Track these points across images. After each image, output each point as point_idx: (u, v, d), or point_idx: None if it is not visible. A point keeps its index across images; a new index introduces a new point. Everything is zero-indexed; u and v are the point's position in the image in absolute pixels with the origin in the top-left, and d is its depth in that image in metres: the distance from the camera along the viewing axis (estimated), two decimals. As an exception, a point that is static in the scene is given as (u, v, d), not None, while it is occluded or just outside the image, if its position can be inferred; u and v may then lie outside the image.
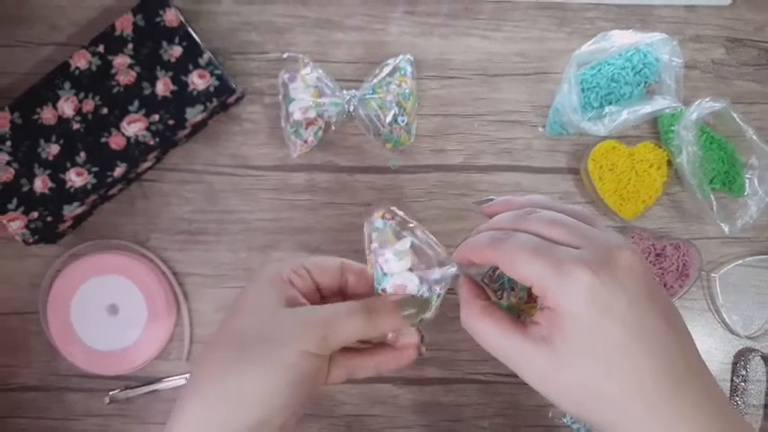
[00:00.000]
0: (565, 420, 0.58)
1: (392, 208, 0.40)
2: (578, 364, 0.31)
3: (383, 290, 0.38)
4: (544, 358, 0.32)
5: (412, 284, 0.38)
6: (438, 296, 0.39)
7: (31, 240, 0.54)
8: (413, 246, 0.39)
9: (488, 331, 0.34)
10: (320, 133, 0.56)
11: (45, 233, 0.55)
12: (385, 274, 0.38)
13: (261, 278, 0.39)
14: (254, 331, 0.36)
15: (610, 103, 0.58)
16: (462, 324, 0.36)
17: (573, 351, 0.31)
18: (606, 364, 0.31)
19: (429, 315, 0.39)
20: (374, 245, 0.39)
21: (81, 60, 0.55)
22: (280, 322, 0.36)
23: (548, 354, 0.32)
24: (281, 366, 0.35)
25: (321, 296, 0.41)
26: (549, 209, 0.35)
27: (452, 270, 0.38)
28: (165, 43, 0.55)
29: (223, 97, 0.55)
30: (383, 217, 0.39)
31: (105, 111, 0.54)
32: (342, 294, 0.42)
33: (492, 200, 0.38)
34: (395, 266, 0.38)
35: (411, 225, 0.39)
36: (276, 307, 0.37)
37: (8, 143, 0.54)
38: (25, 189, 0.54)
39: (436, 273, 0.38)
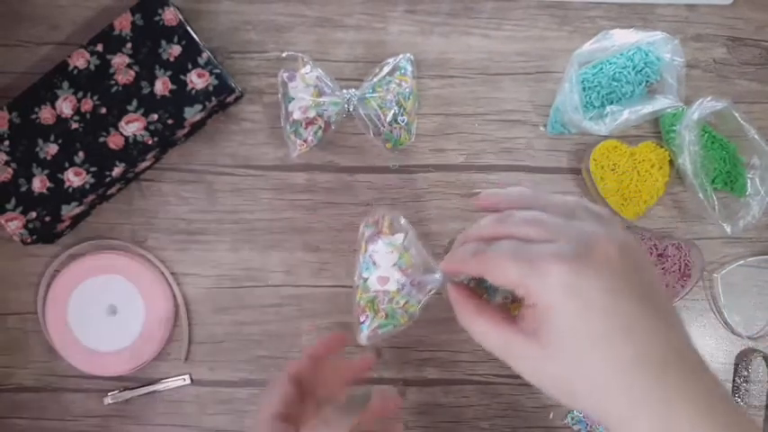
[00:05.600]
0: (566, 422, 0.58)
1: (386, 215, 0.43)
2: (564, 355, 0.32)
3: (366, 278, 0.41)
4: (534, 351, 0.33)
5: (393, 279, 0.41)
6: (419, 301, 0.41)
7: (29, 240, 0.54)
8: (406, 249, 0.41)
9: (484, 329, 0.35)
10: (320, 133, 0.56)
11: (43, 233, 0.54)
12: (372, 264, 0.41)
13: None
14: None
15: (611, 103, 0.58)
16: (460, 324, 0.37)
17: (558, 343, 0.32)
18: (589, 353, 0.32)
19: (411, 319, 0.42)
20: (367, 233, 0.42)
21: (80, 60, 0.54)
22: None
23: (536, 347, 0.33)
24: None
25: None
26: (530, 203, 0.36)
27: (437, 277, 0.40)
28: (163, 42, 0.54)
29: (222, 96, 0.55)
30: (376, 223, 0.42)
31: (104, 110, 0.54)
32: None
33: (479, 193, 0.39)
34: (383, 259, 0.41)
35: (407, 232, 0.42)
36: None
37: (6, 143, 0.54)
38: (23, 189, 0.54)
39: (422, 277, 0.40)
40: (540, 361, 0.33)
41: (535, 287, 0.32)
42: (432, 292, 0.42)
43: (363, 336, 0.42)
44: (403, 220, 0.42)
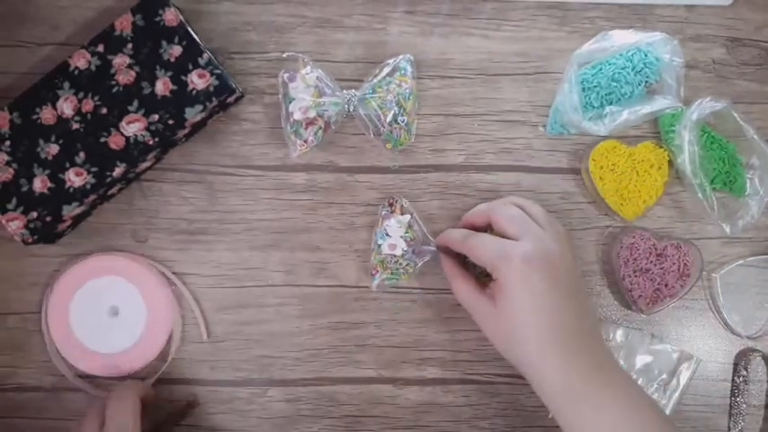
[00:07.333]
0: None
1: (398, 201, 0.57)
2: (509, 317, 0.48)
3: (380, 245, 0.55)
4: (489, 311, 0.49)
5: (400, 247, 0.55)
6: (416, 264, 0.56)
7: (30, 240, 0.54)
8: (410, 226, 0.55)
9: (462, 288, 0.52)
10: (320, 133, 0.56)
11: (44, 233, 0.54)
12: (386, 235, 0.55)
13: None
14: None
15: (610, 103, 0.58)
16: (448, 283, 0.53)
17: (507, 308, 0.48)
18: (523, 320, 0.47)
19: (409, 277, 0.57)
20: (384, 212, 0.56)
21: (80, 60, 0.55)
22: None
23: (492, 308, 0.49)
24: None
25: None
26: (521, 206, 0.52)
27: (432, 248, 0.56)
28: (164, 43, 0.55)
29: (223, 97, 0.55)
30: (390, 204, 0.57)
31: (105, 110, 0.54)
32: None
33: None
34: (394, 231, 0.55)
35: (412, 213, 0.57)
36: None
37: (7, 143, 0.54)
38: (24, 189, 0.54)
39: (421, 247, 0.56)
40: (493, 318, 0.49)
41: (501, 269, 0.48)
42: (426, 259, 0.56)
43: (374, 284, 0.56)
44: (407, 203, 0.57)
